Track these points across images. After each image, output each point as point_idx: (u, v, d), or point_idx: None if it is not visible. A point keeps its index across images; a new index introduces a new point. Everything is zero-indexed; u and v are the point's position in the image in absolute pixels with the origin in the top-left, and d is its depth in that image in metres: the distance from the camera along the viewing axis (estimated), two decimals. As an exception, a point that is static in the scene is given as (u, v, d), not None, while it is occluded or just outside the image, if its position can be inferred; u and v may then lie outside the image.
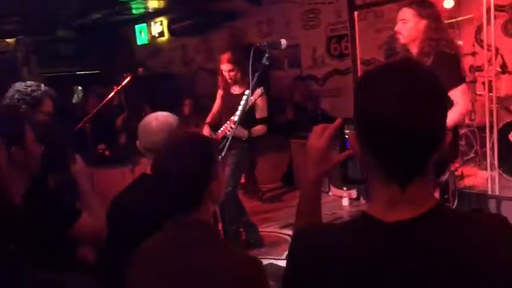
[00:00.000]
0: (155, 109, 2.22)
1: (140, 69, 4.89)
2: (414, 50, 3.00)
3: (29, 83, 2.66)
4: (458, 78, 2.89)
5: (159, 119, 2.02)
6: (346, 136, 1.08)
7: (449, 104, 0.93)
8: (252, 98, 3.75)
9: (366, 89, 0.91)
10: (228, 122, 3.90)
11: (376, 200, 0.93)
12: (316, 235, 0.98)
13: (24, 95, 2.60)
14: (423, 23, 2.93)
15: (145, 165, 2.09)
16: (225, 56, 4.15)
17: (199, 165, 1.41)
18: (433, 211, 0.90)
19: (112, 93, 4.35)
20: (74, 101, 8.72)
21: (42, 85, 2.71)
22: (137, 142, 2.08)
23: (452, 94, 2.81)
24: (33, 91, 2.61)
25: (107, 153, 5.08)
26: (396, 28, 3.07)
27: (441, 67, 2.73)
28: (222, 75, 4.21)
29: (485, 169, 4.43)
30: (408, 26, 2.98)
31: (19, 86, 2.65)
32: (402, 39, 3.04)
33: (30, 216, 1.60)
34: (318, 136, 1.11)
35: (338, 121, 1.11)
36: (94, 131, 4.57)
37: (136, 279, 1.41)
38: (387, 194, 0.91)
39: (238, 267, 1.33)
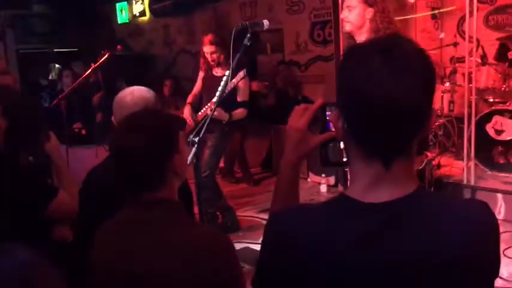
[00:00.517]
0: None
1: (119, 47, 4.77)
2: (360, 38, 2.90)
3: None
4: None
5: (134, 93, 1.96)
6: (327, 118, 1.05)
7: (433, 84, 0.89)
8: (234, 81, 3.70)
9: (349, 64, 0.88)
10: (208, 104, 3.85)
11: (356, 181, 0.91)
12: (289, 219, 0.95)
13: None
14: (370, 10, 2.85)
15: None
16: (208, 38, 4.08)
17: (157, 139, 1.34)
18: (415, 194, 0.88)
19: (89, 71, 4.25)
20: (50, 78, 8.52)
21: None
22: (112, 118, 2.01)
23: None
24: None
25: (82, 132, 4.99)
26: (341, 15, 3.01)
27: None
28: (204, 57, 4.14)
29: (462, 159, 4.48)
30: (354, 13, 2.89)
31: None
32: (347, 27, 2.96)
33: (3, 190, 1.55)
34: (298, 117, 1.08)
35: (319, 102, 1.08)
36: (70, 110, 4.46)
37: (96, 262, 1.36)
38: (368, 174, 0.88)
39: (202, 242, 1.28)
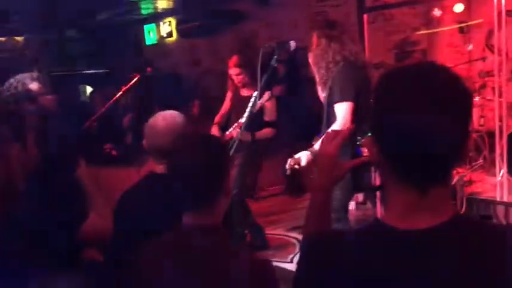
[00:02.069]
0: (163, 109, 2.19)
1: (149, 69, 4.89)
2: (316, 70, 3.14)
3: (7, 84, 2.54)
4: (347, 94, 2.87)
5: (166, 118, 2.00)
6: (358, 143, 1.06)
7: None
8: (260, 101, 3.74)
9: (386, 90, 0.88)
10: (236, 124, 3.89)
11: (392, 207, 0.90)
12: (328, 241, 0.96)
13: (12, 96, 2.50)
14: (316, 41, 3.12)
15: (151, 166, 2.08)
16: (233, 60, 4.15)
17: (214, 161, 1.41)
18: (452, 221, 0.87)
19: (120, 93, 4.36)
20: (81, 99, 8.75)
21: (18, 75, 2.58)
22: (143, 141, 2.06)
23: (337, 108, 2.86)
24: (16, 87, 2.50)
25: (113, 152, 5.08)
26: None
27: (336, 80, 2.90)
28: (231, 78, 4.21)
29: (494, 175, 4.38)
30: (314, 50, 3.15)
31: (4, 93, 2.53)
32: (309, 59, 3.22)
33: (35, 217, 1.59)
34: (329, 142, 1.10)
35: (349, 128, 1.09)
36: (101, 131, 4.57)
37: (144, 281, 1.39)
38: (404, 201, 0.88)
39: (249, 271, 1.31)
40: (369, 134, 0.94)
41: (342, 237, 0.97)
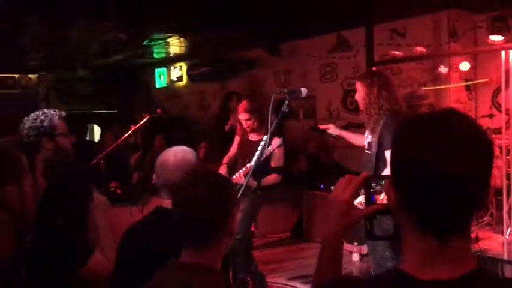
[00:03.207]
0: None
1: (159, 110, 4.96)
2: (366, 117, 3.37)
3: (33, 115, 2.59)
4: None
5: (177, 155, 1.98)
6: (372, 190, 1.05)
7: None
8: (271, 148, 3.76)
9: (407, 136, 0.87)
10: (243, 169, 3.90)
11: (409, 256, 0.87)
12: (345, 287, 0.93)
13: (37, 128, 2.54)
14: (370, 92, 3.33)
15: (156, 205, 2.06)
16: (242, 105, 4.20)
17: (219, 198, 1.40)
18: (475, 274, 0.84)
19: (129, 132, 4.40)
20: (87, 138, 8.81)
21: (46, 110, 2.63)
22: (154, 176, 2.04)
23: (388, 154, 3.09)
24: (42, 121, 2.56)
25: (118, 191, 5.07)
26: (355, 97, 3.50)
27: (387, 127, 3.15)
28: (240, 123, 4.25)
29: (501, 233, 4.33)
30: (358, 95, 3.43)
31: (28, 123, 2.57)
32: (360, 106, 3.47)
33: (41, 251, 1.58)
34: (343, 188, 1.08)
35: (364, 174, 1.08)
36: (108, 169, 4.57)
37: None
38: (423, 250, 0.85)
39: None
40: (383, 182, 0.93)
41: (359, 284, 0.94)
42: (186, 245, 1.41)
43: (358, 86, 3.46)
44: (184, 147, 2.06)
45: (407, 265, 0.87)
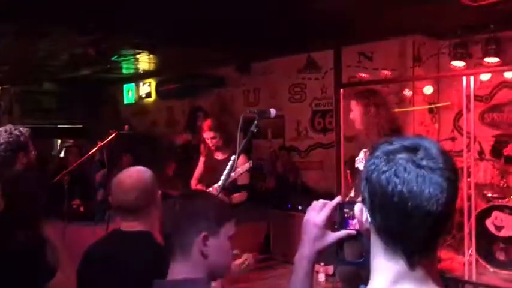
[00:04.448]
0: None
1: (126, 127, 4.89)
2: (366, 136, 3.27)
3: (3, 130, 2.57)
4: None
5: (133, 176, 1.94)
6: (345, 215, 1.06)
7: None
8: (240, 170, 3.75)
9: (376, 161, 0.89)
10: (210, 188, 3.87)
11: (378, 278, 0.89)
12: None
13: (15, 143, 2.53)
14: (359, 110, 3.26)
15: (118, 223, 2.02)
16: (207, 124, 4.18)
17: (194, 216, 1.39)
18: None
19: (95, 149, 4.32)
20: (52, 153, 8.59)
21: (22, 128, 2.64)
22: (109, 198, 2.01)
23: None
24: (18, 136, 2.56)
25: (81, 209, 4.95)
26: (350, 116, 3.42)
27: None
28: (205, 142, 4.23)
29: (463, 254, 4.42)
30: (352, 115, 3.33)
31: (2, 138, 2.55)
32: (356, 125, 3.37)
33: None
34: (317, 212, 1.09)
35: (338, 199, 1.10)
36: (71, 185, 4.47)
37: None
38: (391, 271, 0.87)
39: None
40: (357, 205, 0.95)
41: None
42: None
43: (353, 105, 3.35)
44: (140, 167, 2.02)
45: (375, 286, 0.89)
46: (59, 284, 1.74)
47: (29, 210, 1.96)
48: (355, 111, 3.31)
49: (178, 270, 1.37)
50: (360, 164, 3.36)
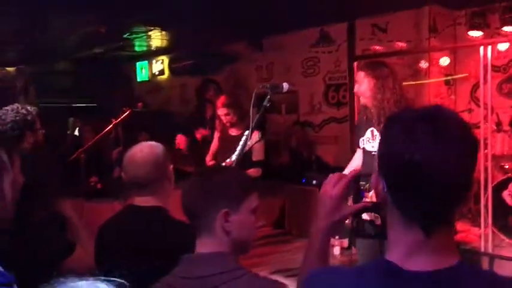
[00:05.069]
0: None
1: (140, 104, 4.90)
2: (372, 109, 3.06)
3: (10, 109, 2.59)
4: None
5: (144, 150, 1.95)
6: (362, 188, 1.06)
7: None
8: (249, 143, 3.75)
9: (393, 130, 0.89)
10: (223, 164, 3.89)
11: (395, 247, 0.90)
12: (330, 278, 0.94)
13: (21, 122, 2.56)
14: (372, 82, 3.01)
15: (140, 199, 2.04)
16: (221, 100, 4.19)
17: (210, 192, 1.40)
18: (458, 266, 0.86)
19: (110, 126, 4.35)
20: (68, 132, 8.67)
21: (29, 107, 2.67)
22: (122, 173, 2.02)
23: None
24: (25, 115, 2.58)
25: (98, 186, 5.02)
26: (355, 90, 3.20)
27: None
28: (219, 118, 4.24)
29: (479, 226, 4.41)
30: (362, 87, 3.07)
31: (9, 116, 2.57)
32: (361, 100, 3.15)
33: (17, 251, 1.56)
34: (333, 184, 1.09)
35: (354, 171, 1.10)
36: (88, 163, 4.52)
37: None
38: (408, 241, 0.88)
39: None
40: (373, 176, 0.94)
41: (345, 275, 0.96)
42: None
43: (362, 76, 3.10)
44: (152, 142, 2.04)
45: (393, 256, 0.90)
46: (79, 259, 1.78)
47: (47, 187, 2.00)
48: (363, 84, 3.08)
49: (204, 246, 1.38)
50: (367, 144, 3.19)
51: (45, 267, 1.69)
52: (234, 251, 1.40)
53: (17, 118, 2.53)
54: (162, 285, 1.37)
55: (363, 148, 3.23)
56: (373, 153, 3.09)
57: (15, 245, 1.62)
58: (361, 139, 3.24)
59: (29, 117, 2.55)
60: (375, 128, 3.10)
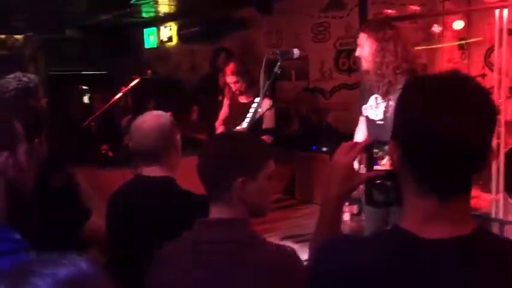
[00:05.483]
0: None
1: (149, 72, 4.86)
2: (371, 74, 2.87)
3: (12, 78, 2.58)
4: None
5: (150, 120, 1.96)
6: (374, 156, 1.05)
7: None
8: (260, 110, 3.73)
9: (410, 98, 0.88)
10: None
11: (411, 216, 0.89)
12: (344, 247, 0.95)
13: (24, 89, 2.54)
14: (374, 45, 2.79)
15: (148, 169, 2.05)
16: (229, 68, 4.16)
17: (224, 157, 1.39)
18: (475, 233, 0.86)
19: (119, 94, 4.34)
20: (84, 101, 8.68)
21: (31, 75, 2.65)
22: (129, 143, 2.03)
23: None
24: (28, 82, 2.57)
25: (110, 154, 5.05)
26: (356, 53, 2.97)
27: None
28: (229, 86, 4.21)
29: (490, 192, 4.39)
30: (364, 51, 2.86)
31: (12, 84, 2.56)
32: (363, 65, 2.92)
33: (36, 218, 1.58)
34: (345, 152, 1.09)
35: (366, 140, 1.09)
36: (99, 132, 4.54)
37: (164, 285, 1.37)
38: (424, 209, 0.87)
39: (282, 261, 1.29)
40: (385, 148, 0.93)
41: (359, 244, 0.96)
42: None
43: (363, 39, 2.87)
44: (158, 112, 2.04)
45: (408, 224, 0.89)
46: (95, 224, 1.81)
47: (63, 155, 2.01)
48: (365, 47, 2.83)
49: (219, 212, 1.39)
50: (370, 111, 2.99)
51: (66, 233, 1.72)
52: (250, 216, 1.42)
53: (19, 86, 2.52)
54: (172, 248, 1.39)
55: (366, 116, 3.09)
56: (377, 122, 2.95)
57: (35, 213, 1.64)
58: (363, 107, 3.08)
59: (31, 85, 2.54)
60: (378, 95, 2.93)
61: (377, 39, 2.79)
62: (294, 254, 1.34)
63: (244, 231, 1.36)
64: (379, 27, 2.86)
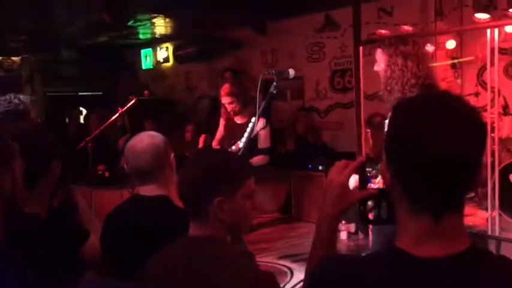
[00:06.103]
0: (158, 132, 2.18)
1: (146, 92, 4.90)
2: (392, 90, 2.82)
3: (3, 100, 2.59)
4: None
5: (144, 140, 1.97)
6: (368, 174, 1.07)
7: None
8: (255, 129, 3.76)
9: (403, 116, 0.89)
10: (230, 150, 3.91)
11: (405, 235, 0.90)
12: (340, 265, 0.95)
13: (14, 112, 2.54)
14: (385, 61, 2.81)
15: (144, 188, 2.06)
16: (224, 89, 4.19)
17: (210, 174, 1.37)
18: (469, 251, 0.86)
19: (116, 115, 4.36)
20: (81, 121, 8.69)
21: (22, 97, 2.65)
22: (124, 164, 2.04)
23: None
24: (17, 104, 2.56)
25: (106, 174, 5.05)
26: (374, 68, 2.98)
27: None
28: (224, 106, 4.25)
29: (486, 209, 4.40)
30: (380, 66, 2.88)
31: (2, 107, 2.56)
32: (382, 79, 2.91)
33: (36, 237, 1.58)
34: (339, 171, 1.09)
35: (360, 158, 1.10)
36: (95, 152, 4.55)
37: None
38: (418, 228, 0.88)
39: (257, 282, 1.28)
40: (379, 166, 0.95)
41: (355, 262, 0.96)
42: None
43: (379, 54, 2.89)
44: (151, 132, 2.07)
45: (403, 243, 0.90)
46: (94, 246, 1.80)
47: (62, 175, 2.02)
48: (380, 62, 2.86)
49: (197, 229, 1.39)
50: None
51: (65, 254, 1.72)
52: (229, 234, 1.41)
53: (9, 108, 2.52)
54: (151, 264, 1.40)
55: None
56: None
57: (36, 233, 1.64)
58: (385, 121, 3.06)
59: (21, 107, 2.53)
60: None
61: (388, 55, 2.82)
62: (268, 277, 1.34)
63: (219, 249, 1.36)
64: (392, 43, 2.89)
